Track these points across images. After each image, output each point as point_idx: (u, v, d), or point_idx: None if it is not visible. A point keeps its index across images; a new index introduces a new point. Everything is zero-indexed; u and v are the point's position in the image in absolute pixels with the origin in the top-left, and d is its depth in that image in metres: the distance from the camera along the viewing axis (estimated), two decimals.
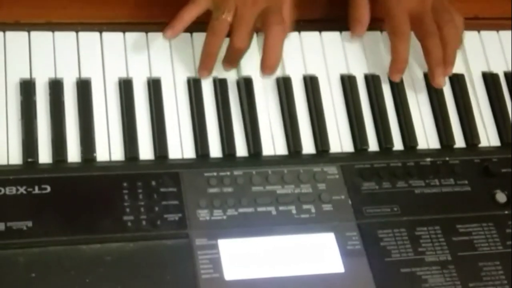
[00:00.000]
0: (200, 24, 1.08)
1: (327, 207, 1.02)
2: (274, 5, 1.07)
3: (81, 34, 1.07)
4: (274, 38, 1.06)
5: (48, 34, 1.07)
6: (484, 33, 1.20)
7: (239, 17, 1.06)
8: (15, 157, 0.99)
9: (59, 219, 0.95)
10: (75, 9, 1.12)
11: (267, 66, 1.06)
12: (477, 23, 1.21)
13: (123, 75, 1.06)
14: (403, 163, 1.07)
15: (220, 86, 1.08)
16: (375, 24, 1.15)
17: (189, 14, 1.06)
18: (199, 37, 1.09)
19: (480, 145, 1.12)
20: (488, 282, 0.99)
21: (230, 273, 0.95)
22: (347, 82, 1.11)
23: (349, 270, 0.97)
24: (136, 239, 0.95)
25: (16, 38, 1.06)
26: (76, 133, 1.02)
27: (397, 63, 1.10)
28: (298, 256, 0.97)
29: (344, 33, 1.15)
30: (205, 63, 1.07)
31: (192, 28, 1.09)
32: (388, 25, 1.12)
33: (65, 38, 1.07)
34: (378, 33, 1.16)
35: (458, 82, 1.15)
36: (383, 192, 1.04)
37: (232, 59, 1.08)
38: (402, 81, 1.13)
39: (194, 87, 1.07)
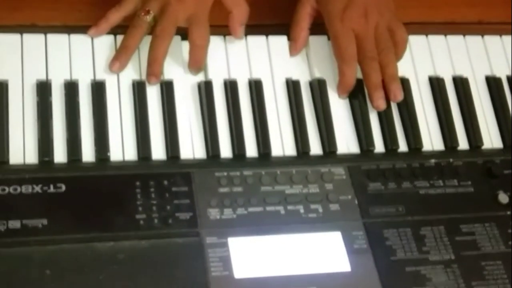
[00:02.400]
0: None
1: (334, 206, 1.01)
2: (200, 12, 1.07)
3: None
4: (195, 52, 1.06)
5: (64, 36, 1.07)
6: (487, 37, 1.19)
7: (163, 14, 1.05)
8: (31, 157, 0.99)
9: (73, 217, 0.95)
10: (90, 12, 1.11)
11: (192, 66, 1.07)
12: (481, 27, 1.21)
13: (137, 77, 1.06)
14: (408, 164, 1.06)
15: (231, 88, 1.07)
16: None
17: (114, 15, 1.06)
18: (211, 40, 1.08)
19: (483, 147, 1.11)
20: (490, 281, 0.98)
21: (239, 271, 0.94)
22: (355, 85, 1.10)
23: (355, 269, 0.97)
24: (148, 237, 0.95)
25: (33, 41, 1.05)
26: (91, 134, 1.01)
27: (344, 85, 1.09)
28: (306, 255, 0.97)
29: None
30: (119, 56, 1.05)
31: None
32: (334, 48, 1.10)
33: (81, 40, 1.07)
34: None
35: (462, 86, 1.14)
36: (388, 193, 1.04)
37: (153, 52, 1.05)
38: (407, 84, 1.12)
39: (205, 89, 1.06)
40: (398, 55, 1.11)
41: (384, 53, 1.09)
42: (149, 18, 1.05)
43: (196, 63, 1.06)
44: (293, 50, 1.11)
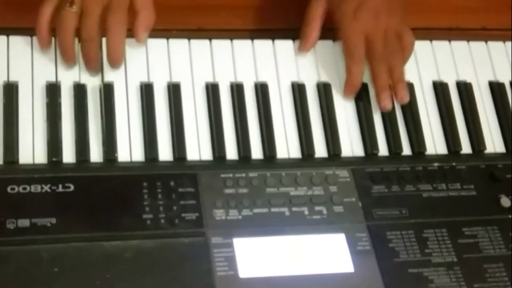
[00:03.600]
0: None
1: (338, 208, 1.01)
2: (117, 1, 1.03)
3: (104, 40, 1.07)
4: (113, 37, 1.03)
5: None
6: (491, 43, 1.19)
7: (84, 7, 1.01)
8: (40, 157, 0.99)
9: (81, 217, 0.95)
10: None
11: (111, 61, 1.04)
12: (485, 33, 1.21)
13: (145, 79, 1.06)
14: (411, 167, 1.07)
15: (237, 91, 1.07)
16: None
17: (43, 18, 1.02)
18: (218, 44, 1.10)
19: (486, 152, 1.11)
20: (492, 283, 0.99)
21: (244, 271, 0.94)
22: (360, 90, 1.10)
23: (358, 270, 0.97)
24: (155, 236, 0.95)
25: None
26: (99, 135, 1.01)
27: (351, 84, 1.10)
28: (310, 256, 0.97)
29: None
30: (65, 55, 1.03)
31: (212, 35, 1.10)
32: (343, 46, 1.11)
33: None
34: None
35: (465, 91, 1.14)
36: (392, 195, 1.04)
37: (86, 54, 1.03)
38: (412, 89, 1.12)
39: (212, 91, 1.06)
40: (405, 59, 1.11)
41: (392, 56, 1.09)
42: (74, 8, 1.01)
43: (115, 53, 1.04)
44: (303, 48, 1.12)
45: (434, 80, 1.14)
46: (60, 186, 0.97)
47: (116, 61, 1.04)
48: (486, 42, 1.19)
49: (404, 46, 1.11)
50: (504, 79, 1.17)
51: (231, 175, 1.01)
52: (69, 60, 1.03)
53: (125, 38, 1.04)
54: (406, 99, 1.09)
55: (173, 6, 1.12)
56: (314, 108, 1.09)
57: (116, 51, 1.03)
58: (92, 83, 1.04)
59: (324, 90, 1.10)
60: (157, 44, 1.08)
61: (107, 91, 1.04)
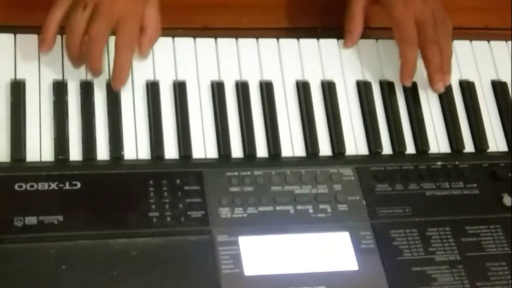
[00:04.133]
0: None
1: (342, 207, 1.02)
2: (129, 17, 1.02)
3: (112, 38, 1.07)
4: (119, 58, 1.02)
5: None
6: (493, 43, 1.19)
7: (95, 11, 1.00)
8: (47, 155, 1.00)
9: (88, 214, 0.96)
10: None
11: (115, 82, 1.03)
12: (487, 33, 1.21)
13: (151, 78, 1.06)
14: (415, 166, 1.07)
15: (242, 90, 1.07)
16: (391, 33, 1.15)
17: (53, 21, 1.01)
18: (223, 42, 1.10)
19: (488, 150, 1.11)
20: (494, 281, 0.99)
21: (249, 269, 0.95)
22: (363, 88, 1.11)
23: (362, 268, 0.97)
24: (161, 234, 0.96)
25: None
26: (105, 133, 1.02)
27: (408, 68, 1.10)
28: (314, 254, 0.97)
29: (360, 40, 1.15)
30: (73, 57, 1.03)
31: (217, 34, 1.10)
32: (397, 32, 1.11)
33: None
34: (392, 41, 1.15)
35: (468, 90, 1.15)
36: (396, 194, 1.04)
37: (91, 54, 1.01)
38: (415, 88, 1.13)
39: (217, 90, 1.07)
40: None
41: (442, 37, 1.10)
42: (85, 12, 1.01)
43: (120, 74, 1.02)
44: (349, 42, 1.13)
45: None
46: (67, 183, 0.97)
47: (121, 82, 1.03)
48: (488, 41, 1.20)
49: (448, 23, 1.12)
50: (506, 78, 1.17)
51: (236, 173, 1.02)
52: (75, 62, 1.03)
53: (131, 59, 1.03)
54: (448, 83, 1.11)
55: (178, 5, 1.12)
56: (319, 106, 1.09)
57: (121, 72, 1.02)
58: (99, 81, 1.04)
59: (328, 89, 1.10)
60: (163, 43, 1.08)
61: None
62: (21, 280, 0.90)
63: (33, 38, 1.05)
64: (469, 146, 1.11)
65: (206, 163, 1.03)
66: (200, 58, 1.09)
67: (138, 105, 1.04)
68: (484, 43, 1.19)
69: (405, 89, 1.12)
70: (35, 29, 1.05)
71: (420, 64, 1.12)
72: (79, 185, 0.97)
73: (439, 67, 1.10)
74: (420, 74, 1.13)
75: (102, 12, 1.00)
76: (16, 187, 0.96)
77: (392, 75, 1.13)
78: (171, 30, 1.10)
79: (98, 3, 1.00)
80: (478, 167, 1.09)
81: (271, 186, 1.02)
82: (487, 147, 1.11)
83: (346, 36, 1.13)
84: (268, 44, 1.12)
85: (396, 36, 1.11)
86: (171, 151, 1.03)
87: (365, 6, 1.13)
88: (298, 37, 1.13)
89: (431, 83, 1.11)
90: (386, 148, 1.08)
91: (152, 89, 1.05)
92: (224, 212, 0.99)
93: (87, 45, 1.01)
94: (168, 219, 0.97)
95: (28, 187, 0.96)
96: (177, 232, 0.96)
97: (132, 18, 1.02)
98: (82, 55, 1.02)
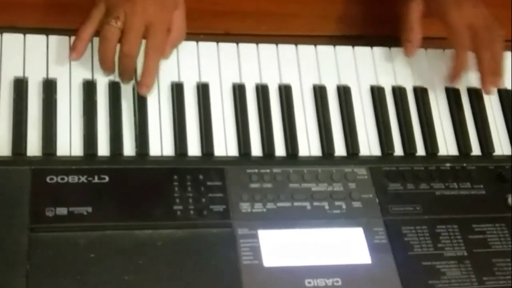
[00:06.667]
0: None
1: (356, 204, 1.03)
2: (158, 24, 1.03)
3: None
4: (149, 62, 1.03)
5: None
6: None
7: (128, 25, 1.01)
8: (77, 150, 1.00)
9: (115, 206, 0.96)
10: None
11: (141, 85, 1.03)
12: None
13: (175, 79, 1.07)
14: (425, 167, 1.08)
15: (262, 92, 1.09)
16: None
17: (86, 32, 1.03)
18: (244, 47, 1.12)
19: (494, 154, 1.13)
20: (500, 276, 1.00)
21: (268, 260, 0.96)
22: (376, 93, 1.12)
23: (375, 262, 0.98)
24: (184, 226, 0.96)
25: None
26: (132, 130, 1.03)
27: (459, 69, 1.12)
28: (330, 248, 0.98)
29: (374, 48, 1.16)
30: (105, 66, 1.04)
31: (239, 39, 1.11)
32: (452, 38, 1.12)
33: None
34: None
35: (476, 96, 1.16)
36: (407, 193, 1.05)
37: (124, 67, 1.02)
38: (426, 94, 1.14)
39: (239, 92, 1.08)
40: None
41: (495, 42, 1.12)
42: (118, 23, 1.01)
43: (148, 76, 1.03)
44: (410, 52, 1.13)
45: (446, 86, 1.15)
46: (96, 177, 0.98)
47: (148, 85, 1.03)
48: None
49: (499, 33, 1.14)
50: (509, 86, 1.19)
51: (256, 170, 1.02)
52: (107, 70, 1.04)
53: (159, 64, 1.05)
54: (500, 85, 1.13)
55: (202, 12, 1.13)
56: (334, 109, 1.10)
57: (149, 75, 1.03)
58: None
59: (344, 93, 1.11)
60: (187, 47, 1.09)
61: None
62: (52, 267, 0.90)
63: (64, 40, 1.06)
64: (476, 149, 1.12)
65: (227, 160, 1.03)
66: (223, 61, 1.10)
67: (163, 105, 1.05)
68: None
69: (416, 95, 1.14)
70: (67, 31, 1.06)
71: (430, 71, 1.14)
72: (107, 178, 0.98)
73: (491, 70, 1.11)
74: (430, 81, 1.15)
75: (134, 25, 1.01)
76: (47, 179, 0.96)
77: (404, 81, 1.15)
78: (195, 35, 1.11)
79: (130, 14, 1.01)
80: (484, 169, 1.10)
81: (289, 183, 1.03)
82: (493, 151, 1.13)
83: (407, 45, 1.13)
84: (286, 50, 1.13)
85: (451, 41, 1.13)
86: (194, 148, 1.03)
87: (421, 16, 1.14)
88: (315, 44, 1.14)
89: (483, 85, 1.12)
90: (398, 150, 1.09)
91: (177, 90, 1.06)
92: (245, 207, 1.00)
93: (120, 59, 1.02)
94: (192, 212, 0.98)
95: (59, 180, 0.97)
96: (200, 225, 0.97)
97: (161, 26, 1.04)
98: (113, 64, 1.03)
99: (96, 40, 1.05)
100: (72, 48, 1.04)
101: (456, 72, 1.12)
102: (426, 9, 1.14)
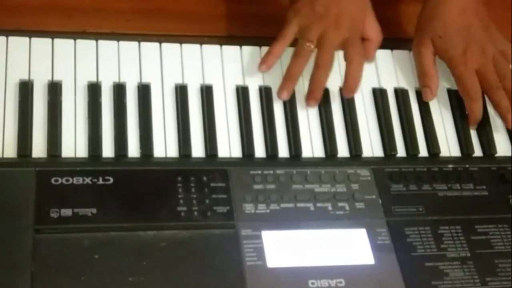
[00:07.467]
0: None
1: (359, 205, 1.02)
2: (354, 35, 1.09)
3: (142, 44, 1.08)
4: (355, 67, 1.08)
5: (113, 43, 1.08)
6: None
7: (323, 42, 1.07)
8: (82, 151, 1.00)
9: (120, 208, 0.96)
10: (137, 21, 1.13)
11: (348, 90, 1.08)
12: None
13: (179, 81, 1.07)
14: (428, 168, 1.07)
15: (265, 94, 1.08)
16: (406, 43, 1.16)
17: (278, 49, 1.09)
18: (247, 50, 1.11)
19: (496, 155, 1.12)
20: (502, 277, 0.99)
21: (272, 261, 0.95)
22: (379, 95, 1.12)
23: (378, 263, 0.98)
24: (188, 227, 0.96)
25: (85, 46, 1.07)
26: (136, 132, 1.02)
27: (474, 121, 1.11)
28: (333, 248, 0.98)
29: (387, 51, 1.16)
30: (286, 85, 1.07)
31: (242, 42, 1.11)
32: (460, 88, 1.12)
33: (128, 47, 1.08)
34: (406, 52, 1.16)
35: None
36: (410, 194, 1.05)
37: (318, 78, 1.07)
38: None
39: (242, 94, 1.08)
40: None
41: (505, 78, 1.11)
42: (312, 46, 1.07)
43: (354, 81, 1.08)
44: (429, 98, 1.12)
45: (448, 88, 1.15)
46: (100, 178, 0.98)
47: (354, 89, 1.08)
48: None
49: (508, 59, 1.13)
50: None
51: (259, 171, 1.02)
52: (285, 92, 1.07)
53: (362, 70, 1.09)
54: None
55: (207, 14, 1.14)
56: (337, 111, 1.10)
57: (354, 80, 1.08)
58: (131, 83, 1.05)
59: None
60: (191, 49, 1.09)
61: (145, 91, 1.05)
62: (56, 268, 0.90)
63: (69, 43, 1.06)
64: (478, 151, 1.12)
65: (231, 161, 1.03)
66: (226, 63, 1.10)
67: (167, 107, 1.05)
68: None
69: (418, 97, 1.13)
70: (71, 34, 1.07)
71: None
72: (111, 180, 0.98)
73: (508, 108, 1.10)
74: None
75: (328, 42, 1.08)
76: (52, 181, 0.96)
77: (407, 83, 1.14)
78: (199, 37, 1.11)
79: (324, 34, 1.08)
80: (487, 170, 1.09)
81: (292, 185, 1.02)
82: (495, 152, 1.12)
83: (426, 91, 1.12)
84: (289, 53, 1.12)
85: (460, 90, 1.12)
86: (198, 150, 1.03)
87: (433, 58, 1.14)
88: None
89: (506, 123, 1.12)
90: (401, 151, 1.09)
91: (181, 92, 1.06)
92: (248, 208, 0.99)
93: (313, 71, 1.07)
94: (196, 213, 0.97)
95: (64, 181, 0.96)
96: (203, 226, 0.97)
97: (357, 37, 1.10)
98: (295, 81, 1.08)
99: (101, 43, 1.07)
100: (264, 61, 1.09)
101: (472, 121, 1.11)
102: (436, 50, 1.14)
